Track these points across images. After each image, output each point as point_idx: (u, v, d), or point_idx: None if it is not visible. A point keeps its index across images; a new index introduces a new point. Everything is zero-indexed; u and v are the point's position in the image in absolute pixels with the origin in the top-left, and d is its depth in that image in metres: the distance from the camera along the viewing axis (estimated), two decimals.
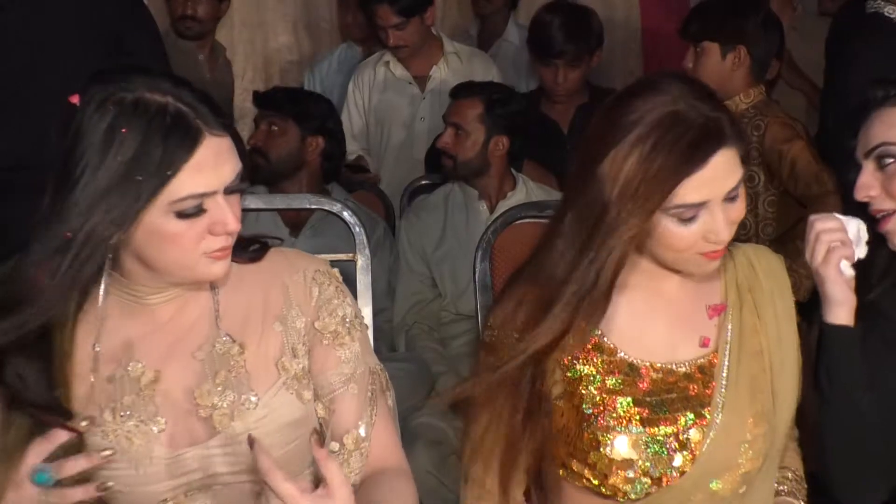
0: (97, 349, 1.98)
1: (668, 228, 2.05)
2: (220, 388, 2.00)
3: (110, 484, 1.91)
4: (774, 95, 4.78)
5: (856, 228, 2.22)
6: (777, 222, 3.97)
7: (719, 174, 2.03)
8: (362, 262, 2.68)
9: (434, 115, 4.97)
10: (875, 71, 3.65)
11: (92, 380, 1.98)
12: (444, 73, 5.14)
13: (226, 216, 1.91)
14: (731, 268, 2.23)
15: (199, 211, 1.90)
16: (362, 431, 2.07)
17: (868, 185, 2.27)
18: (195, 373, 2.01)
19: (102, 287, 1.97)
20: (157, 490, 1.98)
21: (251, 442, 1.77)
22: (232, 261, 2.01)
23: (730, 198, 2.06)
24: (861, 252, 2.21)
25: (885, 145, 2.25)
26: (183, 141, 1.86)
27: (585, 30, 4.89)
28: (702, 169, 2.01)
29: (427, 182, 4.59)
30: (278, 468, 1.74)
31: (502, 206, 4.06)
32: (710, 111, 2.04)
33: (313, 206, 2.98)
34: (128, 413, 1.97)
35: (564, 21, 4.86)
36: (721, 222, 2.05)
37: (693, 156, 2.01)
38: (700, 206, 2.03)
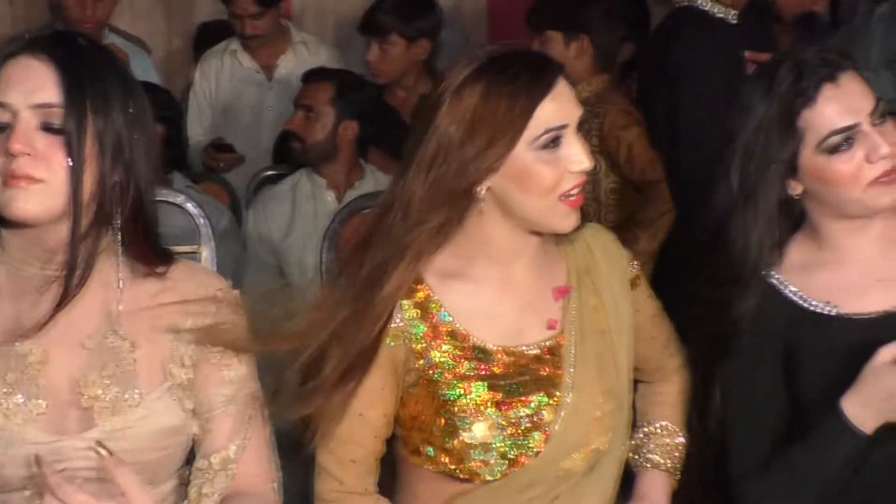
0: None
1: (534, 166, 2.09)
2: (106, 382, 1.97)
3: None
4: None
5: None
6: (618, 209, 4.04)
7: (568, 99, 2.13)
8: (207, 253, 2.65)
9: (281, 104, 4.97)
10: (700, 69, 3.77)
11: None
12: (292, 64, 5.16)
13: (11, 133, 1.93)
14: (572, 251, 2.27)
15: (2, 127, 1.95)
16: (232, 453, 2.05)
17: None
18: (82, 361, 1.99)
19: None
20: (19, 474, 1.94)
21: (100, 450, 1.78)
22: (136, 264, 2.03)
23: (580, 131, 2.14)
24: None
25: (878, 103, 2.22)
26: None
27: (414, 11, 4.83)
28: (554, 89, 2.10)
29: (274, 172, 4.59)
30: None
31: (350, 196, 4.06)
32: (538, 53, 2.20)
33: (155, 199, 2.93)
34: (11, 390, 1.95)
35: (397, 1, 4.80)
36: (581, 148, 2.11)
37: (542, 78, 2.10)
38: (562, 128, 2.10)
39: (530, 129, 2.08)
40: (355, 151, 4.26)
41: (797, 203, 2.29)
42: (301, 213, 4.21)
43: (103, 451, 1.79)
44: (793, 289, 2.29)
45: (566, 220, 2.15)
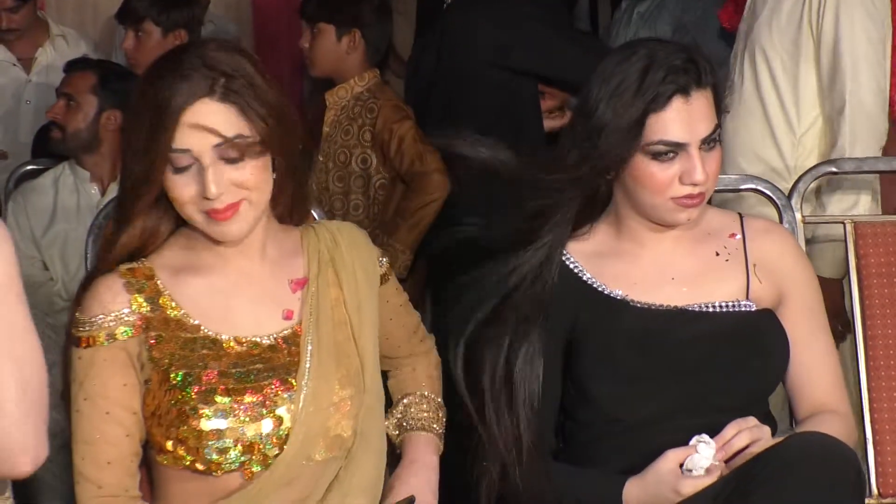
0: None
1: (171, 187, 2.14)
2: None
3: None
4: None
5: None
6: (386, 204, 4.10)
7: (207, 122, 2.13)
8: None
9: (41, 98, 4.89)
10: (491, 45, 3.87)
11: None
12: (51, 56, 5.11)
13: None
14: (315, 242, 2.29)
15: None
16: None
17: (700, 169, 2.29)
18: None
19: None
20: None
21: None
22: None
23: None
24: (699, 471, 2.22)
25: (714, 131, 2.30)
26: None
27: (171, 1, 4.74)
28: (191, 108, 2.13)
29: (35, 167, 4.48)
30: None
31: (114, 189, 3.89)
32: None
33: None
34: None
35: None
36: (210, 177, 2.10)
37: (181, 94, 2.17)
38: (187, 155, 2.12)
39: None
40: (119, 142, 4.17)
41: (605, 187, 2.38)
42: (63, 206, 4.17)
43: None
44: (586, 272, 2.38)
45: (217, 229, 2.15)
